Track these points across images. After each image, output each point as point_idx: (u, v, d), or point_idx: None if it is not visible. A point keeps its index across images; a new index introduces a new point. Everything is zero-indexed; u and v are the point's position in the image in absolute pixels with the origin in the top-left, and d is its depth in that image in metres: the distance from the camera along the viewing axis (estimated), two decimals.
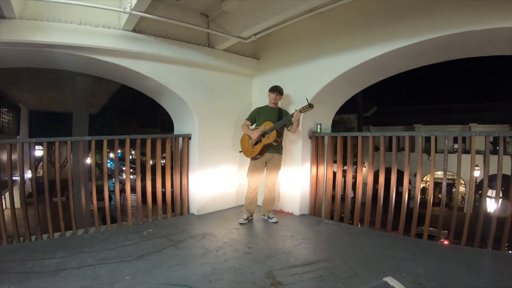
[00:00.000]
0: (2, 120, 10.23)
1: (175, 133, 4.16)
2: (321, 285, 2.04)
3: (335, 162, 3.70)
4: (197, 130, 3.78)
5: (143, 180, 3.54)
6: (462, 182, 15.25)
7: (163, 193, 3.70)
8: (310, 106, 3.13)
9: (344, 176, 3.66)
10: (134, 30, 3.21)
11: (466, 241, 2.79)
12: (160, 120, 29.67)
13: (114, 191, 12.28)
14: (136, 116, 27.75)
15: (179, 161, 3.83)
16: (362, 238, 3.02)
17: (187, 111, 3.83)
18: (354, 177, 3.66)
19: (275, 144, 3.32)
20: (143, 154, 3.86)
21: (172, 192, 3.77)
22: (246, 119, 3.66)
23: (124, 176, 3.50)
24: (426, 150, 10.83)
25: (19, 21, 2.87)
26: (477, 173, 11.57)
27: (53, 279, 2.21)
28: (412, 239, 2.96)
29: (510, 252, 2.65)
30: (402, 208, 3.00)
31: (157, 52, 3.34)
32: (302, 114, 3.23)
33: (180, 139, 3.83)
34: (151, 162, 3.57)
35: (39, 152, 8.17)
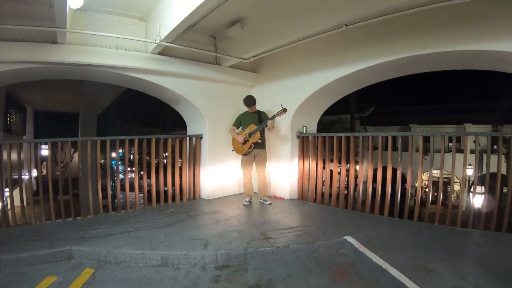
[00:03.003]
0: (10, 121, 10.59)
1: (188, 133, 5.07)
2: (298, 239, 2.94)
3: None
4: (208, 131, 4.69)
5: (165, 172, 4.42)
6: (458, 180, 15.82)
7: (180, 182, 4.60)
8: (284, 110, 4.05)
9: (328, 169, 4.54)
10: (159, 53, 4.10)
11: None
12: (161, 120, 30.56)
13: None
14: (138, 116, 28.52)
15: (192, 156, 4.72)
16: (335, 214, 3.94)
17: (199, 116, 4.73)
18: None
19: (260, 141, 4.24)
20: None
21: (187, 181, 4.66)
22: (232, 125, 4.48)
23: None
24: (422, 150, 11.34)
25: (68, 46, 3.71)
26: (470, 172, 12.29)
27: (104, 240, 3.06)
28: (375, 216, 3.82)
29: (452, 227, 3.48)
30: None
31: (177, 70, 4.25)
32: (278, 117, 4.07)
33: (194, 138, 4.73)
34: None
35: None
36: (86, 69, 3.98)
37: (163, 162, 4.42)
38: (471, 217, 3.36)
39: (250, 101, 4.31)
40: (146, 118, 29.99)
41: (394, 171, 3.83)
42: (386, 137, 3.81)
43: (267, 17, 3.71)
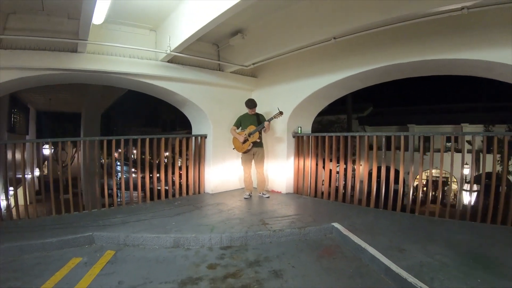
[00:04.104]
0: (14, 121, 10.77)
1: (193, 133, 5.52)
2: (292, 225, 3.39)
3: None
4: (211, 131, 5.15)
5: (173, 168, 4.87)
6: (455, 180, 16.05)
7: (186, 178, 5.04)
8: (281, 113, 4.52)
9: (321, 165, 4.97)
10: (168, 61, 4.53)
11: None
12: (162, 120, 31.00)
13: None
14: (138, 116, 28.92)
15: (197, 154, 5.16)
16: (326, 205, 4.40)
17: (203, 117, 5.18)
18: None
19: (259, 141, 4.71)
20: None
21: (193, 177, 5.10)
22: (233, 125, 4.91)
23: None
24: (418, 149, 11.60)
25: (87, 54, 4.11)
26: (466, 171, 12.66)
27: (123, 227, 3.47)
28: (362, 207, 4.25)
29: (431, 217, 3.87)
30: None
31: (184, 76, 4.70)
32: (275, 119, 4.51)
33: (199, 138, 5.18)
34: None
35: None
36: (103, 76, 4.39)
37: (171, 159, 4.87)
38: (448, 208, 3.74)
39: (251, 103, 4.75)
40: (146, 118, 30.43)
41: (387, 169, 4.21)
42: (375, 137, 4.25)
43: (266, 29, 4.15)
